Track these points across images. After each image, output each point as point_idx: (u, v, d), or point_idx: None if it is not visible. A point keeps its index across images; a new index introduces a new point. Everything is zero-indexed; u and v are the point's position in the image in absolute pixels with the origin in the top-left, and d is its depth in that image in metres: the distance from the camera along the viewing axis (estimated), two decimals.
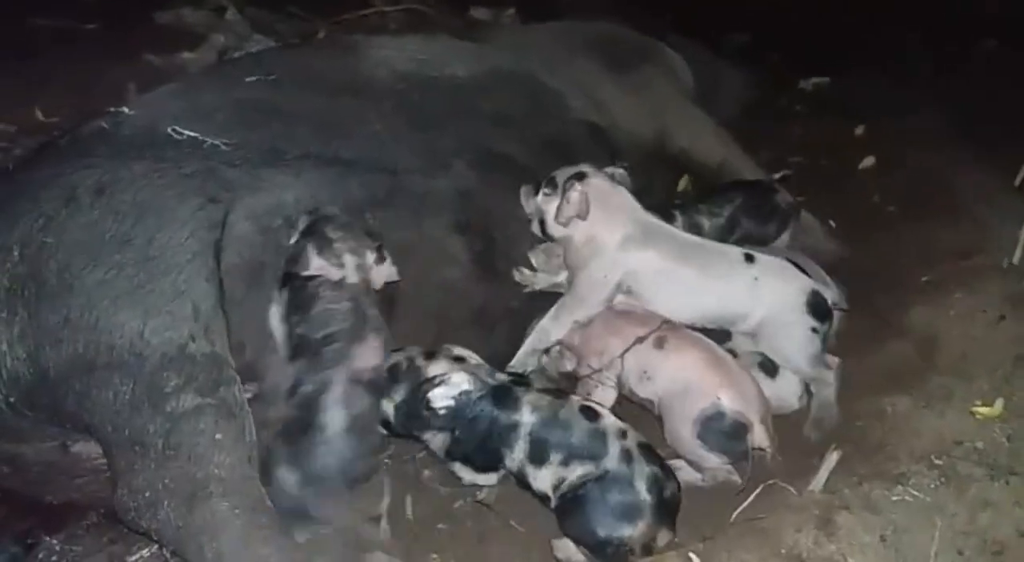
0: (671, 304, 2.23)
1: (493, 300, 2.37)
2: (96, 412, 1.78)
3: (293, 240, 2.02)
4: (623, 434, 1.88)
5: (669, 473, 1.88)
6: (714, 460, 2.04)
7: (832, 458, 1.99)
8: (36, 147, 2.40)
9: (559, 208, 2.25)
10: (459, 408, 1.92)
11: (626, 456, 1.84)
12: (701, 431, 2.01)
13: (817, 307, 2.22)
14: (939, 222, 2.91)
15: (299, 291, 1.95)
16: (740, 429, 2.01)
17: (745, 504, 1.94)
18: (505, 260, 2.42)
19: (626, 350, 2.15)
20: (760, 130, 3.99)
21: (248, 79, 2.38)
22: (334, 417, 1.81)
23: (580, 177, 2.26)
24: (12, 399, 1.86)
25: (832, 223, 3.17)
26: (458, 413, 1.92)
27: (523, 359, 2.32)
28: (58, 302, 1.81)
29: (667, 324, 2.20)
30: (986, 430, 1.97)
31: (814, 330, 2.21)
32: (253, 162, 2.12)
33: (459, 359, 1.99)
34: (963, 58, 4.34)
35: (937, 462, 1.90)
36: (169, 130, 2.13)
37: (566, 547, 1.88)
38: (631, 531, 1.80)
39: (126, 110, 2.23)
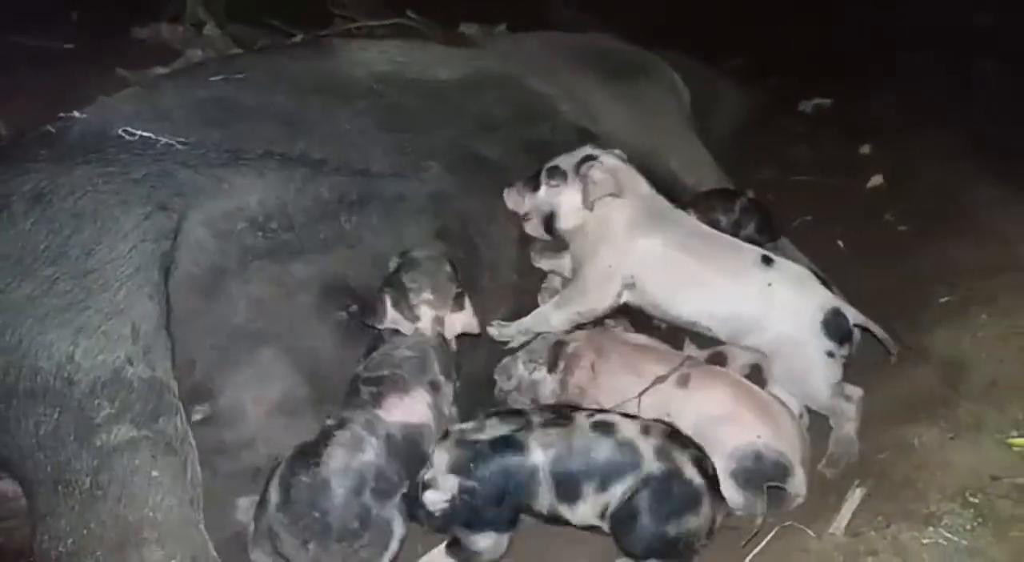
0: (675, 298, 2.09)
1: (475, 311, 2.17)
2: (16, 445, 1.59)
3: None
4: (647, 431, 1.74)
5: (702, 448, 1.77)
6: (741, 502, 1.85)
7: (855, 496, 1.78)
8: None
9: (585, 191, 2.12)
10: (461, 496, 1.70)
11: (661, 452, 1.71)
12: (736, 469, 1.84)
13: (835, 327, 2.03)
14: (957, 239, 2.74)
15: (376, 335, 1.94)
16: (781, 471, 1.85)
17: (758, 549, 1.73)
18: (488, 271, 2.25)
19: (644, 390, 1.96)
20: (760, 149, 3.92)
21: (213, 78, 2.23)
22: (334, 457, 1.66)
23: (592, 158, 2.18)
24: None
25: (841, 243, 3.01)
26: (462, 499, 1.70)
27: (512, 333, 2.19)
28: None
29: (690, 360, 2.04)
30: None
31: (830, 354, 2.03)
32: (212, 162, 1.98)
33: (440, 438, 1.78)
34: (963, 75, 4.21)
35: (972, 500, 1.69)
36: (120, 131, 1.98)
37: None
38: (697, 519, 1.69)
39: (77, 114, 2.08)
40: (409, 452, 1.75)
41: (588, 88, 2.83)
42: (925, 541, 1.62)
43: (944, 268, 2.60)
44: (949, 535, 1.63)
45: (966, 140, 3.51)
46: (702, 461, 1.73)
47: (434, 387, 1.85)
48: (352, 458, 1.67)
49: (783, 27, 5.12)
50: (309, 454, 1.67)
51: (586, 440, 1.72)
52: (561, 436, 1.72)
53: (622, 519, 1.69)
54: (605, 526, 1.73)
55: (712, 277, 2.08)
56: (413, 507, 1.71)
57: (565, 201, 2.19)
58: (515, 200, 2.27)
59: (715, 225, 2.38)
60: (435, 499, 1.68)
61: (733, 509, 1.83)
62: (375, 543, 1.68)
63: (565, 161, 2.22)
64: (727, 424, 1.88)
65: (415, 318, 1.90)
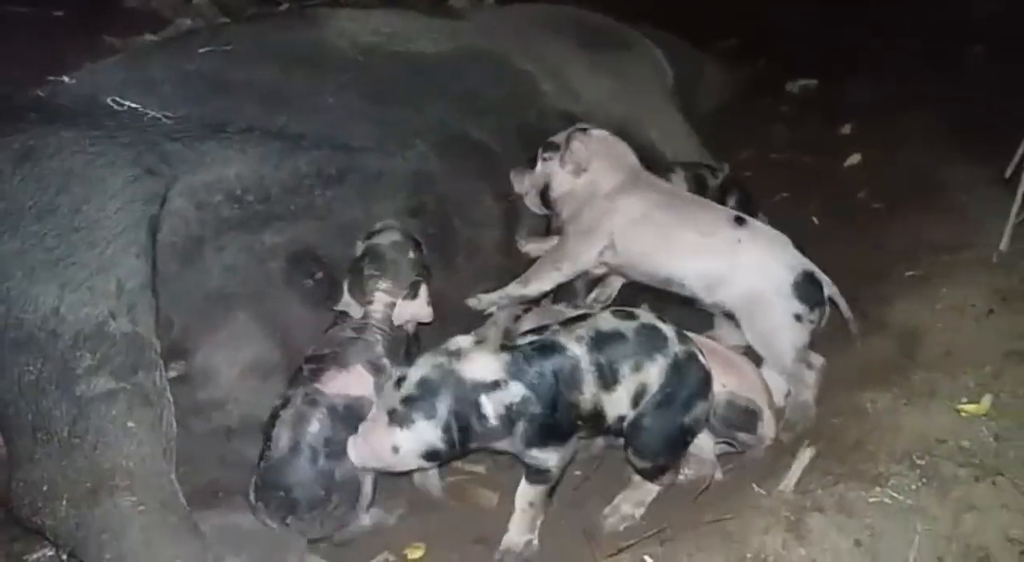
0: (652, 256, 2.16)
1: (449, 291, 2.23)
2: None
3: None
4: (663, 319, 1.82)
5: None
6: (710, 450, 1.94)
7: (805, 456, 1.85)
8: None
9: (562, 157, 2.27)
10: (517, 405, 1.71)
11: (680, 335, 1.80)
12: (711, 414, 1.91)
13: (806, 292, 2.09)
14: (926, 217, 2.80)
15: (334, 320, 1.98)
16: (751, 416, 1.94)
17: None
18: (466, 248, 2.31)
19: None
20: (744, 128, 3.97)
21: (201, 50, 2.26)
22: (281, 438, 1.73)
23: (581, 131, 2.31)
24: None
25: (815, 219, 3.08)
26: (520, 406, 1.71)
27: (493, 301, 2.26)
28: None
29: None
30: (972, 428, 1.82)
31: (797, 317, 2.08)
32: (196, 136, 2.01)
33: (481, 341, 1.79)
34: (952, 61, 4.25)
35: (919, 462, 1.76)
36: (109, 100, 2.02)
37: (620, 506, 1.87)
38: (705, 405, 1.80)
39: (66, 79, 2.12)
40: (352, 419, 1.77)
41: (570, 61, 2.87)
42: (871, 500, 1.68)
43: (911, 244, 2.66)
44: (894, 495, 1.69)
45: (947, 124, 3.54)
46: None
47: (375, 368, 1.85)
48: (298, 434, 1.73)
49: (779, 9, 5.16)
50: (264, 438, 1.76)
51: (612, 324, 1.77)
52: (588, 327, 1.77)
53: (646, 413, 1.74)
54: (629, 414, 1.76)
55: (685, 233, 2.14)
56: (465, 420, 1.67)
57: (556, 171, 2.30)
58: (518, 180, 2.39)
59: (701, 190, 2.46)
60: (498, 400, 1.67)
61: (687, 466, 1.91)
62: (345, 501, 1.76)
63: (559, 136, 2.34)
64: None
65: (368, 303, 1.94)
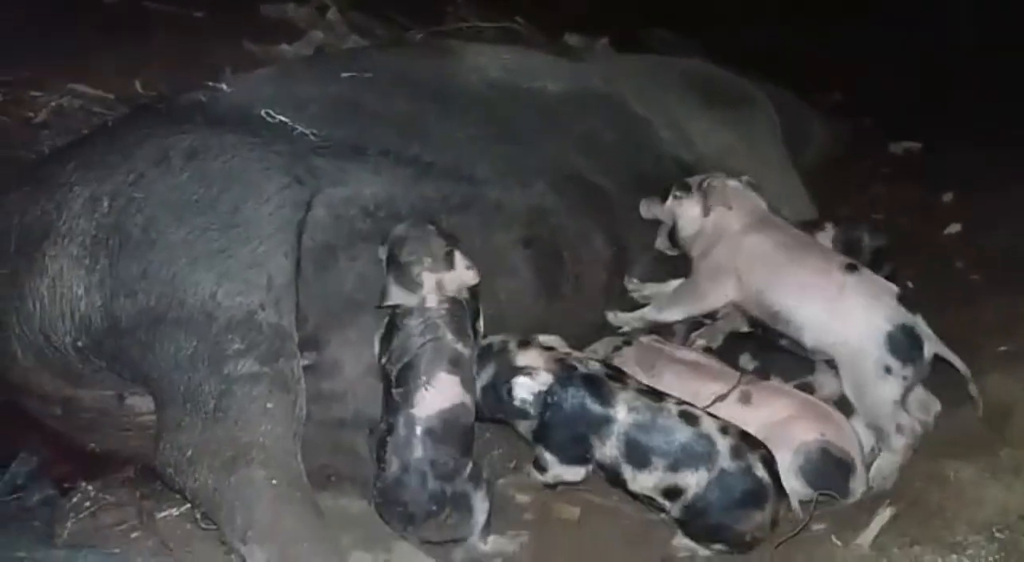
0: (769, 290, 2.27)
1: (553, 319, 2.35)
2: (156, 364, 1.82)
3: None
4: (725, 430, 1.91)
5: (770, 450, 1.92)
6: (800, 495, 2.00)
7: (885, 514, 1.91)
8: (134, 109, 2.50)
9: (704, 198, 2.41)
10: (543, 398, 1.92)
11: (736, 451, 1.87)
12: (803, 464, 1.99)
13: (901, 345, 2.10)
14: (1023, 293, 2.79)
15: (389, 321, 1.99)
16: (844, 469, 2.00)
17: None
18: (573, 282, 2.43)
19: (705, 408, 2.02)
20: (843, 186, 3.95)
21: (343, 74, 2.44)
22: (392, 463, 1.86)
23: (717, 178, 2.48)
24: (80, 343, 1.91)
25: (910, 284, 3.08)
26: (544, 402, 1.92)
27: (627, 320, 2.45)
28: (140, 255, 1.87)
29: (747, 377, 2.18)
30: None
31: (888, 369, 2.10)
32: (337, 154, 2.18)
33: (549, 348, 2.00)
34: None
35: (998, 535, 1.80)
36: (263, 112, 2.19)
37: (688, 546, 1.94)
38: (762, 515, 1.86)
39: (224, 87, 2.31)
40: (452, 433, 1.88)
41: (688, 114, 2.97)
42: None
43: (1008, 319, 2.66)
44: None
45: None
46: (770, 461, 1.90)
47: (454, 363, 1.92)
48: (405, 458, 1.84)
49: (885, 66, 5.15)
50: (377, 460, 1.89)
51: (670, 422, 1.89)
52: (648, 407, 1.91)
53: (695, 508, 1.87)
54: (667, 506, 1.90)
55: (797, 272, 2.24)
56: (500, 394, 1.93)
57: (686, 212, 2.46)
58: (645, 208, 2.55)
59: (855, 245, 2.57)
60: (528, 385, 1.91)
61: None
62: (459, 513, 1.89)
63: (693, 179, 2.51)
64: (793, 425, 2.03)
65: (418, 287, 1.95)
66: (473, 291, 2.04)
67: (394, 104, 2.40)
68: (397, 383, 1.89)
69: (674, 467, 1.87)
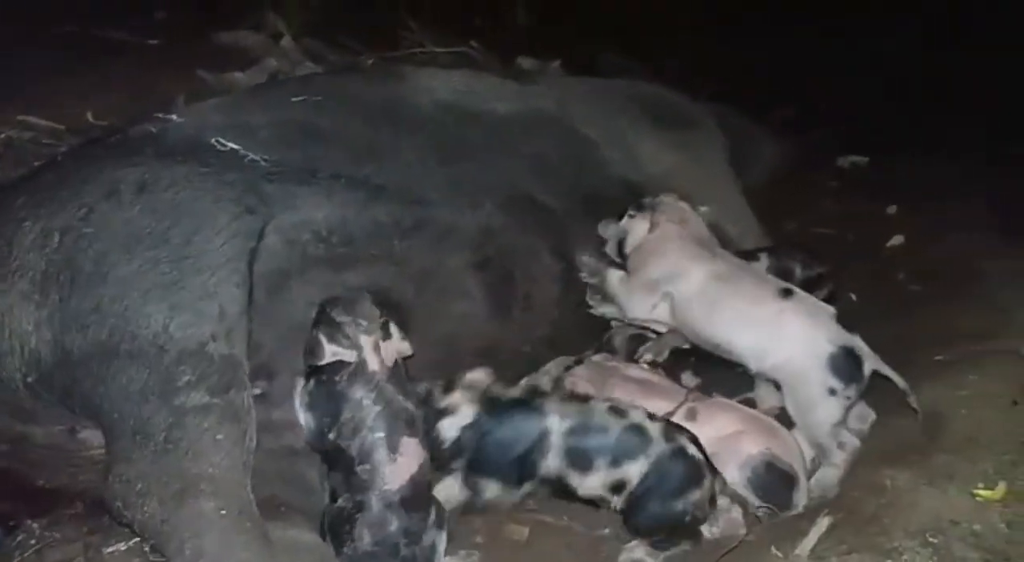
0: (703, 325, 2.31)
1: (504, 339, 2.41)
2: (108, 397, 1.83)
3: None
4: (651, 417, 1.99)
5: (693, 433, 2.01)
6: (740, 511, 2.05)
7: (822, 524, 1.96)
8: (85, 142, 2.51)
9: (653, 214, 2.49)
10: (473, 431, 1.96)
11: (667, 433, 1.96)
12: (751, 477, 2.05)
13: (843, 366, 2.15)
14: (961, 305, 2.89)
15: (325, 386, 1.89)
16: (788, 481, 2.06)
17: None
18: (524, 300, 2.47)
19: None
20: (790, 200, 4.04)
21: (294, 99, 2.48)
22: (363, 535, 1.83)
23: (668, 196, 2.58)
24: (30, 379, 1.92)
25: (853, 296, 3.18)
26: (475, 434, 1.97)
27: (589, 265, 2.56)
28: (91, 289, 1.88)
29: (693, 394, 2.23)
30: (986, 513, 1.92)
31: (832, 391, 2.16)
32: (288, 179, 2.20)
33: (470, 387, 2.03)
34: (1013, 146, 4.29)
35: (932, 541, 1.86)
36: (213, 141, 2.21)
37: (636, 550, 1.96)
38: (701, 492, 1.93)
39: (174, 117, 2.33)
40: (420, 492, 1.88)
41: (637, 135, 3.04)
42: None
43: (943, 330, 2.74)
44: None
45: (992, 214, 3.61)
46: (698, 442, 1.99)
47: (410, 424, 1.89)
48: (380, 535, 1.83)
49: (845, 79, 5.26)
50: (346, 530, 1.83)
51: (602, 419, 1.96)
52: (579, 411, 1.97)
53: (637, 496, 1.93)
54: (613, 500, 1.97)
55: (736, 302, 2.29)
56: (430, 439, 1.94)
57: (636, 226, 2.52)
58: (603, 228, 2.62)
59: (788, 273, 2.60)
60: (450, 425, 1.94)
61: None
62: (424, 556, 1.88)
63: (648, 200, 2.58)
64: (739, 439, 2.09)
65: (356, 347, 1.88)
66: (405, 368, 2.02)
67: (345, 127, 2.44)
68: (360, 460, 1.85)
69: (616, 462, 1.94)
